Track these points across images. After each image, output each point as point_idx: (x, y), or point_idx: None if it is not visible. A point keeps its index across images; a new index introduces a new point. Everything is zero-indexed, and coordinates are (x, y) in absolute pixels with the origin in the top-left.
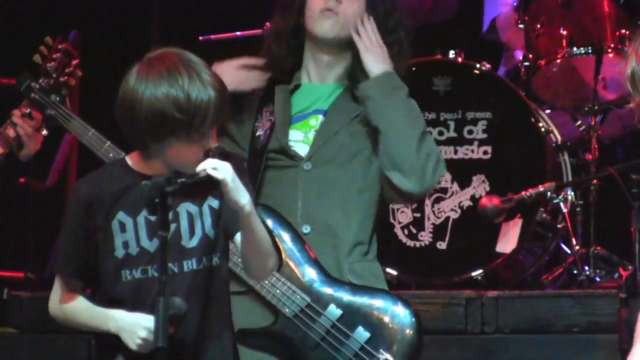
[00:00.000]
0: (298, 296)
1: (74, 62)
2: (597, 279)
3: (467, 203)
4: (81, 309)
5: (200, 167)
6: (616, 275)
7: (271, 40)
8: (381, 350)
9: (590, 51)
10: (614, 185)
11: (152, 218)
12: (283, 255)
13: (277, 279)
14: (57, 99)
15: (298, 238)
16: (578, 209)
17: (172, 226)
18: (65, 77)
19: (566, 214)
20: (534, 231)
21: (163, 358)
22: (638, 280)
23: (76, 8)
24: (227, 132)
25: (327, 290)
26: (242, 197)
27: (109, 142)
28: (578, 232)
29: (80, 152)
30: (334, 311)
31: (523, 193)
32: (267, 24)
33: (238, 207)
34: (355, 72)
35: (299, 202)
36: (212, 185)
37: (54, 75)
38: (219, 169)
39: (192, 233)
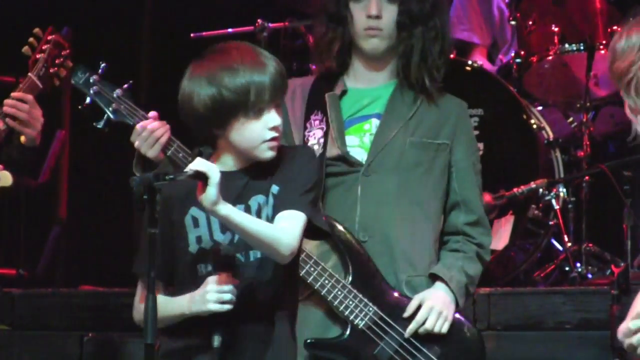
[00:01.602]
0: (370, 308)
1: (64, 52)
2: (589, 275)
3: None
4: (160, 304)
5: (189, 167)
6: (608, 272)
7: (323, 52)
8: None
9: (582, 48)
10: (605, 181)
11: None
12: (350, 268)
13: (350, 290)
14: (120, 92)
15: (363, 250)
16: (570, 206)
17: None
18: (55, 68)
19: (558, 210)
20: (526, 228)
21: (151, 353)
22: (630, 277)
23: (67, 5)
24: None
25: (397, 302)
26: (218, 200)
27: (177, 142)
28: (570, 228)
29: (72, 149)
30: (404, 324)
31: (515, 190)
32: (259, 20)
33: (212, 209)
34: (404, 67)
35: (358, 209)
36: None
37: (44, 67)
38: (208, 168)
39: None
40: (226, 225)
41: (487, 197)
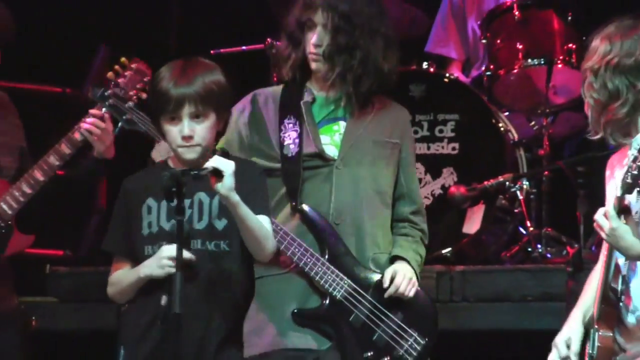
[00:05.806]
0: (345, 281)
1: (146, 78)
2: (548, 255)
3: (438, 191)
4: (121, 274)
5: (208, 163)
6: (564, 253)
7: (282, 65)
8: (413, 328)
9: (542, 62)
10: (562, 176)
11: (172, 204)
12: (326, 247)
13: (328, 266)
14: (132, 104)
15: (336, 232)
16: (532, 196)
17: (189, 211)
18: (134, 91)
19: (522, 200)
20: (495, 215)
21: (179, 322)
22: (583, 257)
23: (99, 23)
24: (254, 146)
25: (366, 276)
26: (232, 187)
27: None
28: (532, 215)
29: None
30: (373, 294)
31: (486, 183)
32: (268, 40)
33: (227, 194)
34: (353, 81)
35: (332, 197)
36: (219, 177)
37: (123, 89)
38: (222, 164)
39: (199, 218)
40: (233, 213)
41: (462, 189)
